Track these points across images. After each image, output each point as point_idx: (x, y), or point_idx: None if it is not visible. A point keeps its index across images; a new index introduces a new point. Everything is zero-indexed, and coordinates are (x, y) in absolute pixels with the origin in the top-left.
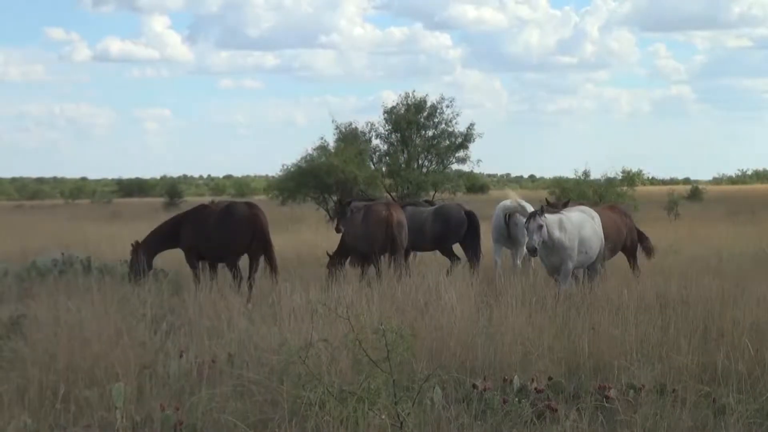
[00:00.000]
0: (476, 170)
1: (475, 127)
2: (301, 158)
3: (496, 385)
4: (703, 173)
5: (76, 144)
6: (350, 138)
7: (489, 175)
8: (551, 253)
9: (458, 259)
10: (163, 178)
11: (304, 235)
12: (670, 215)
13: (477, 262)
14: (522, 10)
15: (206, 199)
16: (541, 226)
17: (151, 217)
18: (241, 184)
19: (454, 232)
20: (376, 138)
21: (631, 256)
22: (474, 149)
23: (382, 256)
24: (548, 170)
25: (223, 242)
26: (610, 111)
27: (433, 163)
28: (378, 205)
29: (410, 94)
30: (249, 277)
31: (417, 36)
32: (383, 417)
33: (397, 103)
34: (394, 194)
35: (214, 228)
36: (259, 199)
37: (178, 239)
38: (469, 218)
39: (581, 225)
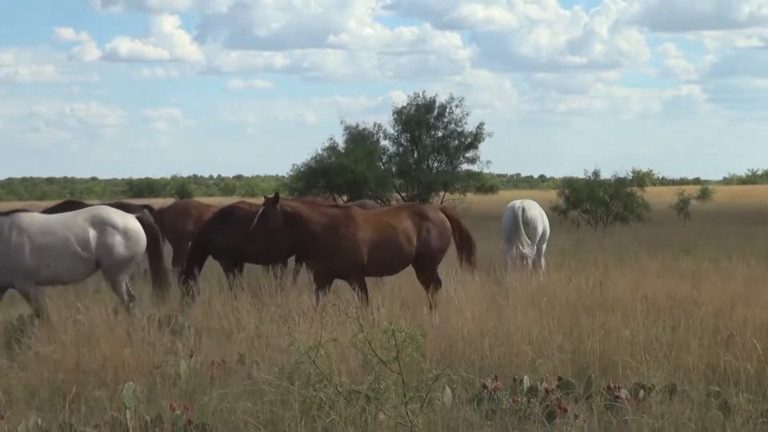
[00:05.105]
0: (486, 170)
1: (484, 126)
2: (311, 158)
3: (505, 385)
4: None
5: (86, 144)
6: (359, 139)
7: (499, 175)
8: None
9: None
10: (173, 178)
11: None
12: (680, 215)
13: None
14: (531, 10)
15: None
16: None
17: None
18: (251, 185)
19: None
20: (385, 138)
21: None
22: (484, 149)
23: None
24: (558, 170)
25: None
26: (620, 111)
27: (443, 163)
28: None
29: (419, 95)
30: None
31: (426, 36)
32: (393, 417)
33: (407, 104)
34: (404, 194)
35: None
36: None
37: None
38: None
39: (47, 232)
